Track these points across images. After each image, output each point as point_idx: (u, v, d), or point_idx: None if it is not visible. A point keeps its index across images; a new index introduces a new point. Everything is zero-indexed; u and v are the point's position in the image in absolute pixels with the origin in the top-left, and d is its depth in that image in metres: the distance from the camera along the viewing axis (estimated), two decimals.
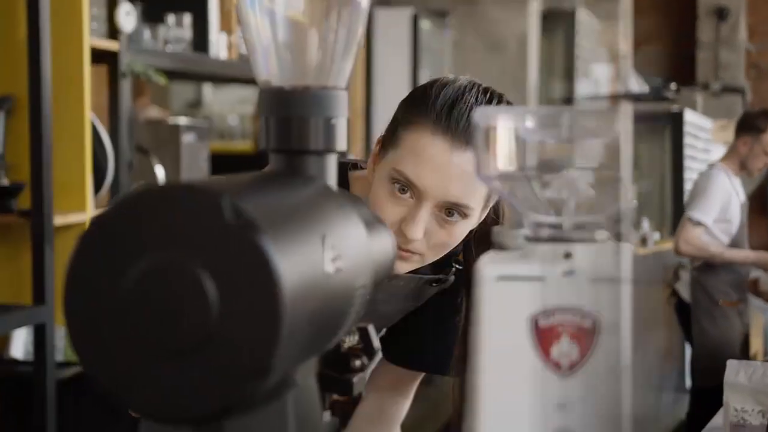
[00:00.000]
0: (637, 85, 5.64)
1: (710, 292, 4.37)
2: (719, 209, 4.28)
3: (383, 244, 0.87)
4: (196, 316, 0.62)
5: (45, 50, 2.39)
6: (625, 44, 5.55)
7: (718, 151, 8.26)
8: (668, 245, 6.59)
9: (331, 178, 0.84)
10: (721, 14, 9.22)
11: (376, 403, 1.42)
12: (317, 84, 0.84)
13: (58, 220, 2.44)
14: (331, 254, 0.71)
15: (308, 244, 0.67)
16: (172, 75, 3.26)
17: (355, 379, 0.87)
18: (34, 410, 2.35)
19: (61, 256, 2.42)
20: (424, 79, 6.35)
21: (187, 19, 3.08)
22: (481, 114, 0.73)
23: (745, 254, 4.42)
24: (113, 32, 2.71)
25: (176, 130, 3.14)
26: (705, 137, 7.56)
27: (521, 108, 0.71)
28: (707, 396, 4.27)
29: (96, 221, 0.64)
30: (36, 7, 2.38)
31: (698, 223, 4.23)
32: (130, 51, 2.77)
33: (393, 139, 1.28)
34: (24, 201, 2.42)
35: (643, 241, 6.06)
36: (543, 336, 0.69)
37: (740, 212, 4.39)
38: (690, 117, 7.05)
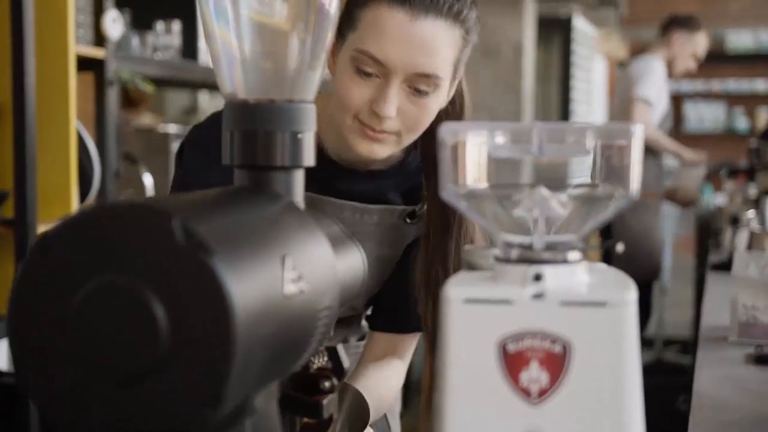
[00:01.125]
0: None
1: None
2: (657, 89, 4.34)
3: (351, 261, 0.85)
4: (145, 340, 0.59)
5: (29, 57, 2.36)
6: None
7: (599, 61, 8.43)
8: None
9: (298, 194, 0.81)
10: None
11: (374, 374, 1.39)
12: (284, 97, 0.81)
13: (42, 229, 2.40)
14: (292, 275, 0.68)
15: (266, 265, 0.65)
16: (162, 82, 3.23)
17: (325, 402, 0.84)
18: (19, 421, 2.32)
19: None
20: None
21: (176, 26, 3.05)
22: (447, 130, 0.70)
23: (678, 147, 4.50)
24: (100, 39, 2.68)
25: (166, 138, 3.11)
26: (590, 46, 7.70)
27: (489, 124, 0.69)
28: None
29: (43, 239, 0.62)
30: (20, 14, 2.35)
31: (647, 102, 4.28)
32: (117, 58, 2.74)
33: (349, 22, 1.25)
34: (7, 210, 2.39)
35: None
36: (511, 361, 0.67)
37: (667, 103, 4.47)
38: (578, 24, 7.14)
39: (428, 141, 1.31)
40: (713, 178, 9.95)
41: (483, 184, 0.71)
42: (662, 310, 5.54)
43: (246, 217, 0.69)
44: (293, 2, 0.81)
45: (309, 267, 0.71)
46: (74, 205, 2.50)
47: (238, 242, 0.63)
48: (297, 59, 0.82)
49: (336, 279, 0.77)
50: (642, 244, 4.29)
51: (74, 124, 2.49)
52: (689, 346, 5.09)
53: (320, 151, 1.34)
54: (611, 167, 0.69)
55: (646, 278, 4.44)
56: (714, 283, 2.77)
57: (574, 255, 0.69)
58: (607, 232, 4.26)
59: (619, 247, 0.71)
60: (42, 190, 2.43)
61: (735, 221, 3.21)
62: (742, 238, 2.98)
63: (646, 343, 5.47)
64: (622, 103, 4.44)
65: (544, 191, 0.70)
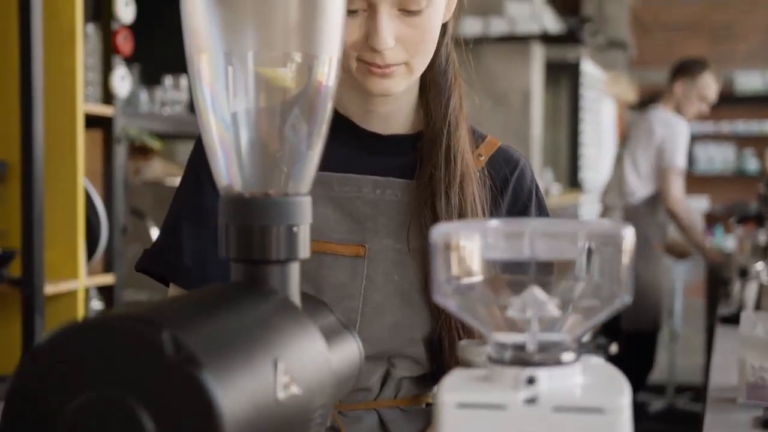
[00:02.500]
0: (552, 23, 5.66)
1: (646, 232, 4.37)
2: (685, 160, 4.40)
3: (347, 353, 0.84)
4: None
5: (38, 116, 2.38)
6: None
7: (608, 104, 8.48)
8: (570, 198, 6.64)
9: (293, 287, 0.81)
10: None
11: None
12: (279, 190, 0.81)
13: (50, 288, 2.41)
14: (285, 379, 0.68)
15: (258, 372, 0.65)
16: (170, 135, 3.25)
17: None
18: None
19: (51, 326, 2.40)
20: None
21: (184, 81, 3.08)
22: (438, 231, 0.70)
23: (702, 241, 4.54)
24: (108, 97, 2.70)
25: (173, 192, 3.12)
26: (598, 88, 7.73)
27: (482, 225, 0.69)
28: (633, 339, 4.27)
29: (33, 353, 0.62)
30: (29, 72, 2.38)
31: (682, 171, 4.31)
32: (125, 115, 2.76)
33: None
34: (15, 269, 2.40)
35: (546, 194, 6.08)
36: None
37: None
38: (587, 67, 7.18)
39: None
40: (723, 220, 9.94)
41: (475, 285, 0.71)
42: (673, 356, 5.50)
43: (238, 320, 0.69)
44: (289, 91, 0.82)
45: (302, 368, 0.71)
46: (81, 264, 2.51)
47: (229, 351, 0.63)
48: (293, 151, 0.82)
49: (331, 376, 0.76)
50: (648, 294, 4.29)
51: (82, 182, 2.51)
52: (701, 393, 5.05)
53: (342, 119, 1.28)
54: (604, 269, 0.69)
55: (650, 328, 4.42)
56: (723, 337, 2.75)
57: (567, 356, 0.69)
58: None
59: (613, 348, 0.70)
60: (49, 248, 2.44)
61: (744, 273, 3.20)
62: (751, 290, 2.96)
63: (657, 389, 5.43)
64: (654, 163, 4.44)
65: (537, 292, 0.70)
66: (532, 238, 0.69)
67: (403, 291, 1.22)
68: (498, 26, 5.31)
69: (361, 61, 1.17)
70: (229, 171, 0.82)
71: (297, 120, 0.82)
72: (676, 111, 4.49)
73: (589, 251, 0.69)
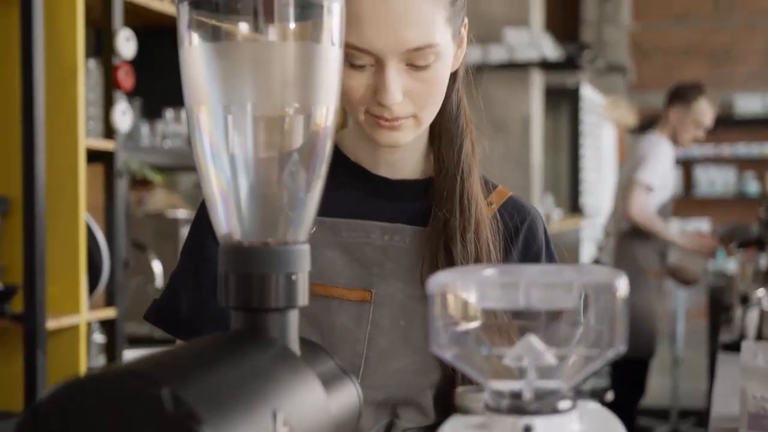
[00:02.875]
0: (550, 50, 5.68)
1: (637, 258, 4.37)
2: (660, 178, 4.35)
3: (346, 399, 0.85)
4: None
5: (40, 152, 2.40)
6: (536, 9, 5.56)
7: (608, 128, 8.51)
8: (571, 223, 6.66)
9: (292, 334, 0.82)
10: None
11: None
12: (278, 239, 0.82)
13: (52, 323, 2.42)
14: (284, 430, 0.69)
15: (257, 424, 0.65)
16: (171, 168, 3.27)
17: None
18: None
19: (53, 361, 2.40)
20: None
21: (185, 114, 3.10)
22: (435, 281, 0.71)
23: (677, 236, 4.49)
24: (109, 131, 2.72)
25: (175, 224, 3.13)
26: (598, 113, 7.76)
27: (478, 276, 0.70)
28: (624, 367, 4.25)
29: (34, 408, 0.62)
30: (31, 108, 2.39)
31: (648, 187, 4.29)
32: (126, 149, 2.78)
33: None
34: (17, 304, 2.41)
35: (547, 219, 6.08)
36: None
37: (673, 183, 4.49)
38: (586, 92, 7.21)
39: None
40: (725, 243, 9.94)
41: (471, 334, 0.71)
42: (677, 380, 5.49)
43: (237, 371, 0.70)
44: (287, 141, 0.83)
45: (301, 417, 0.71)
46: (83, 299, 2.52)
47: (229, 404, 0.64)
48: (291, 199, 0.83)
49: (330, 423, 0.77)
50: (642, 321, 4.28)
51: (83, 217, 2.52)
52: (704, 418, 5.03)
53: (353, 165, 1.28)
54: (599, 318, 0.70)
55: (643, 356, 4.42)
56: (724, 365, 2.75)
57: (564, 404, 0.70)
58: None
59: (609, 396, 0.71)
60: (51, 283, 2.45)
61: (745, 300, 3.20)
62: (752, 317, 2.96)
63: (661, 414, 5.41)
64: (625, 181, 4.48)
65: (533, 340, 0.71)
66: (527, 287, 0.70)
67: (409, 337, 1.22)
68: (497, 54, 5.34)
69: (370, 114, 1.17)
70: (228, 220, 0.83)
71: (295, 169, 0.83)
72: (671, 137, 4.51)
73: (585, 300, 0.70)
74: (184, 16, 0.80)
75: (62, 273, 2.50)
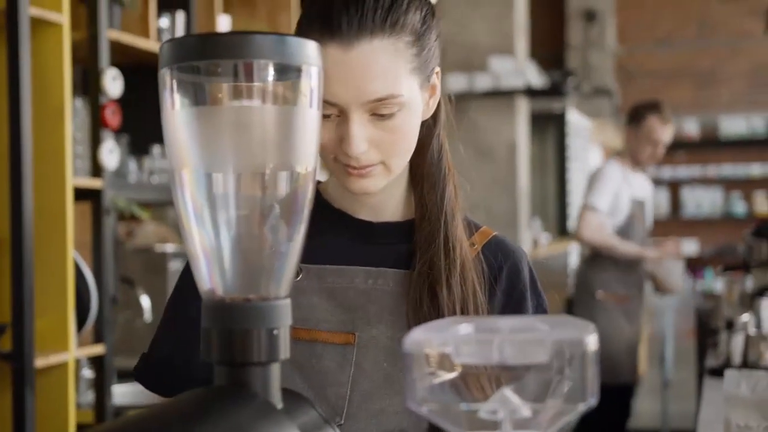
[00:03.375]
0: (535, 78, 5.71)
1: (589, 283, 4.39)
2: (611, 199, 4.37)
3: None
4: None
5: (27, 191, 2.42)
6: (520, 37, 5.60)
7: (595, 151, 8.58)
8: (559, 247, 6.69)
9: (274, 387, 0.84)
10: (590, 17, 9.49)
11: None
12: (259, 294, 0.84)
13: (40, 361, 2.42)
14: None
15: None
16: (159, 203, 3.29)
17: None
18: None
19: (42, 399, 2.41)
20: None
21: None
22: (410, 339, 0.73)
23: (637, 248, 4.47)
24: (97, 169, 2.74)
25: (164, 257, 3.15)
26: (585, 137, 7.81)
27: (454, 334, 0.72)
28: (607, 393, 4.21)
29: None
30: (19, 147, 2.41)
31: (594, 209, 4.31)
32: (113, 187, 2.80)
33: None
34: (5, 343, 2.42)
35: (535, 243, 6.08)
36: None
37: (629, 206, 4.44)
38: (572, 117, 7.27)
39: (415, 153, 1.24)
40: (713, 263, 10.00)
41: (446, 389, 0.74)
42: (666, 403, 5.51)
43: (219, 428, 0.72)
44: (268, 202, 0.85)
45: None
46: (71, 336, 2.53)
47: None
48: (272, 256, 0.85)
49: None
50: (613, 348, 4.28)
51: (71, 255, 2.53)
52: None
53: (336, 211, 1.30)
54: (570, 372, 0.72)
55: (626, 381, 4.42)
56: (710, 390, 2.77)
57: None
58: None
59: None
60: (39, 321, 2.46)
61: (730, 325, 3.22)
62: (738, 343, 2.98)
63: None
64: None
65: (508, 393, 0.73)
66: (501, 344, 0.72)
67: (392, 378, 1.23)
68: (483, 82, 5.39)
69: (339, 162, 1.20)
70: (210, 276, 0.85)
71: (276, 226, 0.85)
72: (632, 158, 4.52)
73: (557, 354, 0.72)
74: (166, 80, 0.83)
75: (51, 311, 2.51)
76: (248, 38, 0.82)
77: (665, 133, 4.48)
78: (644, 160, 4.51)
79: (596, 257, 4.42)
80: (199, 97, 0.84)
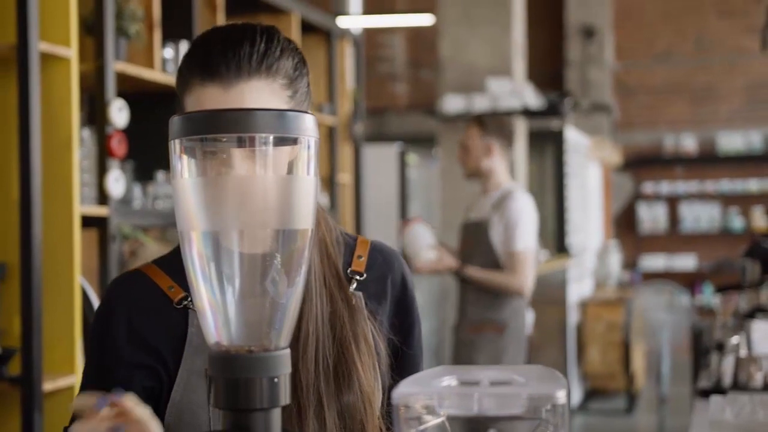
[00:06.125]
0: (533, 99, 5.68)
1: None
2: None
3: None
4: None
5: (36, 219, 2.50)
6: (518, 59, 5.63)
7: (594, 167, 8.63)
8: (558, 264, 6.73)
9: (275, 430, 0.91)
10: (588, 33, 9.56)
11: None
12: (261, 345, 0.92)
13: (48, 385, 2.50)
14: None
15: None
16: (163, 227, 3.37)
17: None
18: None
19: (50, 422, 2.48)
20: (412, 210, 6.50)
21: None
22: (398, 393, 0.81)
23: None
24: (103, 197, 2.82)
25: None
26: (583, 153, 7.88)
27: (438, 389, 0.80)
28: None
29: None
30: (28, 178, 2.49)
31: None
32: (119, 213, 2.88)
33: (180, 111, 1.24)
34: (14, 367, 2.49)
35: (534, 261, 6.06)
36: None
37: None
38: (570, 135, 7.35)
39: None
40: (711, 278, 10.06)
41: None
42: (663, 419, 5.58)
43: None
44: (270, 262, 0.93)
45: None
46: (78, 360, 2.60)
47: None
48: (273, 311, 0.93)
49: None
50: None
51: (78, 282, 2.61)
52: None
53: None
54: (546, 419, 0.80)
55: None
56: (700, 412, 2.83)
57: None
58: None
59: None
60: (47, 346, 2.53)
61: (720, 347, 3.28)
62: (728, 365, 3.04)
63: None
64: None
65: None
66: (480, 397, 0.80)
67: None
68: (481, 103, 5.46)
69: None
70: (216, 329, 0.93)
71: (276, 283, 0.93)
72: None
73: (532, 406, 0.80)
74: (176, 151, 0.91)
75: (58, 335, 2.58)
76: (251, 114, 0.90)
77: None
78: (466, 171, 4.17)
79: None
80: (205, 167, 0.92)
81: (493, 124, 4.10)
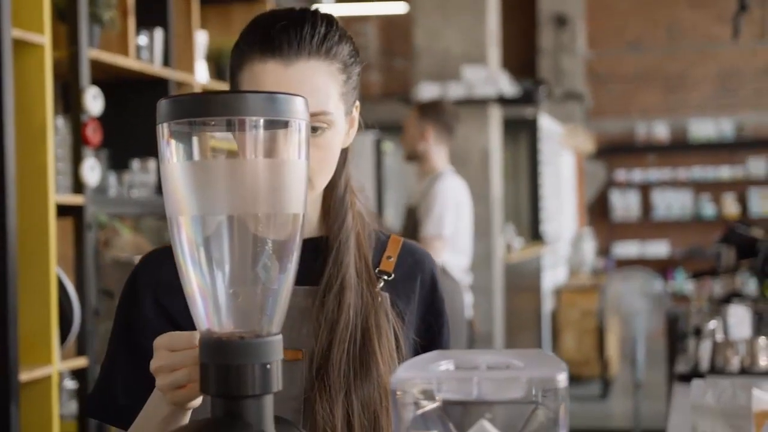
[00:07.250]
0: (507, 87, 5.70)
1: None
2: None
3: None
4: None
5: (11, 208, 2.46)
6: (493, 47, 5.62)
7: (567, 155, 8.68)
8: (533, 251, 6.76)
9: (268, 417, 0.90)
10: (560, 21, 9.61)
11: None
12: (253, 332, 0.91)
13: (24, 375, 2.47)
14: None
15: None
16: (139, 216, 3.34)
17: None
18: None
19: (26, 413, 2.45)
20: (389, 199, 6.49)
21: (152, 164, 3.17)
22: (397, 377, 0.80)
23: None
24: (78, 186, 2.78)
25: None
26: (557, 141, 7.93)
27: (437, 373, 0.79)
28: None
29: None
30: (2, 167, 2.46)
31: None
32: (94, 201, 2.84)
33: (233, 87, 1.27)
34: None
35: (509, 248, 6.10)
36: None
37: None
38: (544, 123, 7.39)
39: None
40: (683, 265, 10.14)
41: (430, 423, 0.80)
42: (638, 403, 5.61)
43: None
44: (260, 247, 0.91)
45: None
46: (55, 349, 2.58)
47: None
48: (264, 297, 0.92)
49: None
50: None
51: (54, 271, 2.58)
52: None
53: None
54: (544, 404, 0.79)
55: None
56: (679, 396, 2.84)
57: None
58: None
59: None
60: (23, 337, 2.50)
61: (698, 332, 3.30)
62: (706, 349, 3.06)
63: None
64: None
65: (486, 425, 0.79)
66: (479, 381, 0.79)
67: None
68: (456, 91, 5.46)
69: None
70: (207, 316, 0.91)
71: (268, 268, 0.92)
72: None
73: (531, 390, 0.79)
74: (164, 135, 0.89)
75: (34, 326, 2.55)
76: (240, 97, 0.88)
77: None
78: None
79: None
80: (194, 151, 0.90)
81: (431, 110, 4.17)
